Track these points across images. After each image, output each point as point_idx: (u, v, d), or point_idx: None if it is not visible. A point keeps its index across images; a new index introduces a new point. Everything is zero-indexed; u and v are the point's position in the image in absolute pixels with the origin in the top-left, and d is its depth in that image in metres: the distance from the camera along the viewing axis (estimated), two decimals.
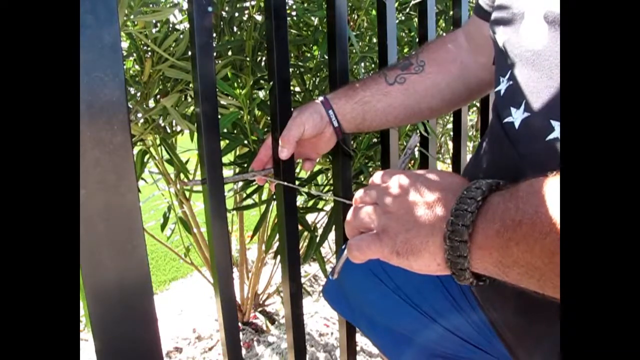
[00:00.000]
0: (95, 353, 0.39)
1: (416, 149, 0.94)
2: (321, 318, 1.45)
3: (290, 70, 0.70)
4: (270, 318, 1.44)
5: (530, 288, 0.32)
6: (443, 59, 0.66)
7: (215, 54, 0.65)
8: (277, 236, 0.76)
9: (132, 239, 0.40)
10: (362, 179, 0.98)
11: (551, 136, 0.40)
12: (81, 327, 1.36)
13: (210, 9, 0.51)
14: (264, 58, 0.86)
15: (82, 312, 0.43)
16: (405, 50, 1.16)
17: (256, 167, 0.67)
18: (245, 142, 0.74)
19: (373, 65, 1.04)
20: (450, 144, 1.29)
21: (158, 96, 0.80)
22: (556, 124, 0.39)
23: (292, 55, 0.94)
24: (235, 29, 0.87)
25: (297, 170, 0.85)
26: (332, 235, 0.85)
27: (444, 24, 1.26)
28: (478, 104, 1.48)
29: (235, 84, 0.80)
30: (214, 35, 0.82)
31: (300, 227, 0.77)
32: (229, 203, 0.79)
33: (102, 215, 0.38)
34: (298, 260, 0.68)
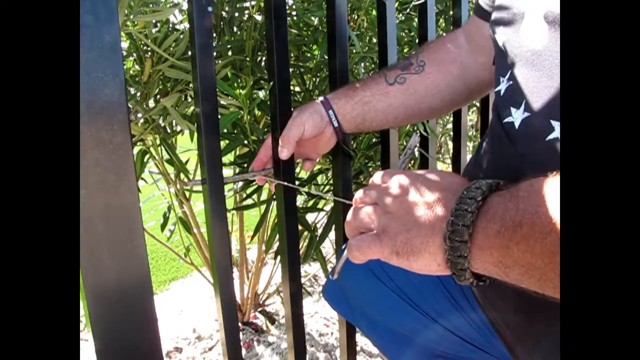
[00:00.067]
0: (95, 353, 0.39)
1: (416, 149, 0.94)
2: (321, 318, 1.45)
3: (290, 70, 0.70)
4: (270, 318, 1.44)
5: (531, 288, 0.32)
6: (443, 59, 0.66)
7: (215, 54, 0.65)
8: (277, 236, 0.76)
9: (132, 239, 0.40)
10: (362, 179, 0.98)
11: (551, 136, 0.40)
12: (81, 327, 1.36)
13: (210, 9, 0.51)
14: (264, 58, 0.86)
15: (82, 312, 0.43)
16: (405, 50, 1.16)
17: (256, 167, 0.67)
18: (245, 142, 0.74)
19: (373, 65, 1.04)
20: (450, 144, 1.29)
21: (158, 96, 0.80)
22: (556, 124, 0.39)
23: (292, 55, 0.94)
24: (235, 29, 0.87)
25: (297, 170, 0.85)
26: (332, 235, 0.85)
27: (444, 24, 1.26)
28: (478, 104, 1.48)
29: (235, 84, 0.80)
30: (214, 35, 0.83)
31: (300, 227, 0.77)
32: (229, 203, 0.79)
33: (102, 215, 0.38)
34: (298, 260, 0.68)
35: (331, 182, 0.98)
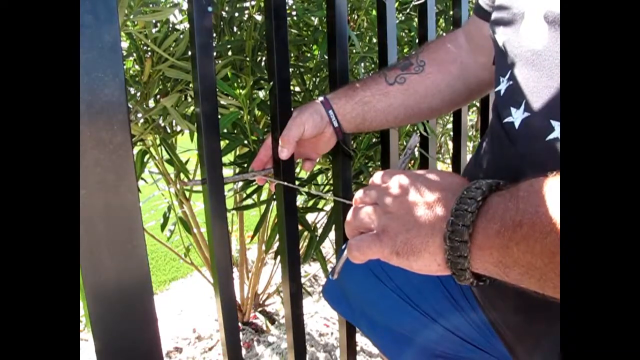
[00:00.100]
0: (95, 353, 0.39)
1: (416, 149, 0.94)
2: (321, 318, 1.45)
3: (290, 70, 0.70)
4: (270, 318, 1.44)
5: (531, 288, 0.32)
6: (443, 59, 0.66)
7: (215, 54, 0.65)
8: (277, 236, 0.76)
9: (132, 239, 0.40)
10: (362, 179, 0.98)
11: (551, 136, 0.40)
12: (81, 327, 1.36)
13: (210, 9, 0.51)
14: (264, 58, 0.86)
15: (82, 312, 0.43)
16: (405, 50, 1.16)
17: (256, 167, 0.67)
18: (245, 142, 0.74)
19: (373, 65, 1.04)
20: (450, 144, 1.29)
21: (158, 96, 0.80)
22: (556, 124, 0.39)
23: (292, 55, 0.94)
24: (235, 29, 0.87)
25: (297, 170, 0.85)
26: (332, 235, 0.85)
27: (444, 24, 1.26)
28: (478, 104, 1.48)
29: (235, 84, 0.80)
30: (214, 35, 0.82)
31: (300, 227, 0.77)
32: (229, 203, 0.79)
33: (102, 215, 0.38)
34: (298, 260, 0.68)
35: (331, 182, 0.98)
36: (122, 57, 0.38)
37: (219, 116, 0.58)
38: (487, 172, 0.49)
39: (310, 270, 1.80)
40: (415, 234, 0.36)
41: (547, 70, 0.41)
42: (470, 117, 1.88)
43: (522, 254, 0.31)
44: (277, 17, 0.59)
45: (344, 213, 0.75)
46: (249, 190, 0.84)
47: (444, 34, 0.71)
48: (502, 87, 0.48)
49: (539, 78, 0.42)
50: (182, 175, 0.99)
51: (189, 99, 0.80)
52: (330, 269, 0.93)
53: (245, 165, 0.81)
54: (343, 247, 0.74)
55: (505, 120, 0.45)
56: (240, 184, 0.87)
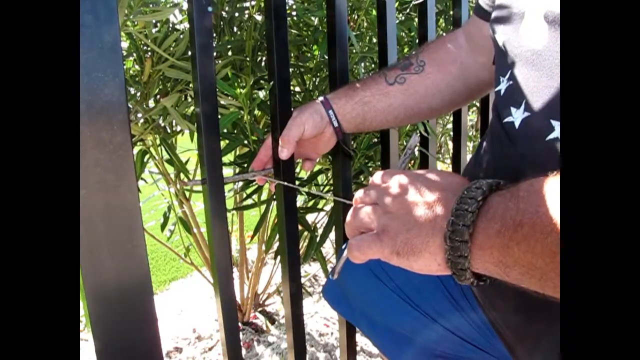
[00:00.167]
0: (95, 353, 0.39)
1: (416, 149, 0.94)
2: (321, 318, 1.45)
3: (290, 70, 0.70)
4: (270, 318, 1.44)
5: (531, 288, 0.32)
6: (443, 59, 0.66)
7: (215, 54, 0.65)
8: (277, 236, 0.76)
9: (132, 239, 0.40)
10: (362, 179, 0.98)
11: (551, 136, 0.40)
12: (81, 327, 1.36)
13: (210, 9, 0.51)
14: (264, 58, 0.86)
15: (82, 312, 0.43)
16: (405, 50, 1.16)
17: (256, 167, 0.67)
18: (245, 142, 0.74)
19: (373, 65, 1.04)
20: (450, 144, 1.29)
21: (158, 96, 0.80)
22: (556, 124, 0.39)
23: (292, 55, 0.94)
24: (235, 29, 0.87)
25: (297, 170, 0.85)
26: (332, 235, 0.85)
27: (444, 24, 1.26)
28: (478, 104, 1.48)
29: (235, 84, 0.80)
30: (214, 35, 0.83)
31: (300, 227, 0.77)
32: (229, 203, 0.79)
33: (102, 215, 0.38)
34: (298, 260, 0.68)
35: (331, 182, 0.98)
36: (122, 57, 0.38)
37: (219, 116, 0.58)
38: (487, 172, 0.49)
39: (310, 270, 1.80)
40: (415, 234, 0.36)
41: (547, 70, 0.41)
42: (470, 117, 1.88)
43: (522, 254, 0.31)
44: (277, 17, 0.59)
45: (344, 213, 0.75)
46: (249, 190, 0.84)
47: (444, 34, 0.71)
48: (502, 87, 0.48)
49: (539, 78, 0.42)
50: (182, 175, 0.99)
51: (189, 99, 0.80)
52: (330, 269, 0.93)
53: (245, 165, 0.81)
54: (343, 247, 0.74)
55: (505, 120, 0.45)
56: (240, 184, 0.87)
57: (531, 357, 0.49)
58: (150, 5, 0.71)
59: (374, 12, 0.85)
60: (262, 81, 0.83)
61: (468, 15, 0.97)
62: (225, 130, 0.74)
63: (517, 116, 0.44)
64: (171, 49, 0.72)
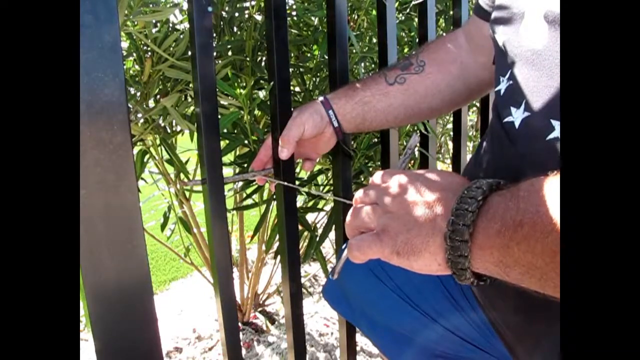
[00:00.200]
0: (95, 353, 0.39)
1: (416, 149, 0.94)
2: (321, 318, 1.45)
3: (290, 70, 0.70)
4: (270, 318, 1.44)
5: (531, 288, 0.32)
6: (443, 59, 0.66)
7: (215, 54, 0.65)
8: (277, 236, 0.76)
9: (132, 239, 0.40)
10: (362, 179, 0.98)
11: (551, 136, 0.40)
12: (81, 327, 1.36)
13: (210, 9, 0.51)
14: (264, 58, 0.86)
15: (82, 312, 0.43)
16: (405, 50, 1.16)
17: (256, 167, 0.67)
18: (245, 142, 0.74)
19: (373, 65, 1.04)
20: (450, 144, 1.29)
21: (158, 96, 0.80)
22: (556, 124, 0.39)
23: (292, 55, 0.94)
24: (235, 29, 0.87)
25: (297, 170, 0.85)
26: (332, 235, 0.85)
27: (444, 24, 1.26)
28: (478, 104, 1.48)
29: (235, 84, 0.80)
30: (214, 35, 0.82)
31: (300, 227, 0.77)
32: (229, 203, 0.79)
33: (102, 215, 0.38)
34: (298, 260, 0.68)
35: (331, 182, 0.98)
36: (122, 57, 0.38)
37: (219, 116, 0.58)
38: (487, 172, 0.49)
39: (310, 270, 1.80)
40: (415, 234, 0.36)
41: (547, 69, 0.41)
42: (470, 117, 1.88)
43: (522, 254, 0.31)
44: (277, 17, 0.59)
45: (344, 213, 0.75)
46: (249, 190, 0.84)
47: (444, 34, 0.71)
48: (502, 86, 0.48)
49: (539, 78, 0.42)
50: (182, 175, 0.99)
51: (189, 99, 0.80)
52: (330, 269, 0.93)
53: (245, 165, 0.81)
54: (343, 247, 0.74)
55: (505, 119, 0.45)
56: (240, 184, 0.87)
57: (531, 357, 0.49)
58: (150, 5, 0.71)
59: (374, 12, 0.85)
60: (262, 81, 0.83)
61: (468, 15, 0.97)
62: (225, 130, 0.74)
63: (517, 116, 0.44)
64: (171, 49, 0.72)
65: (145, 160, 0.92)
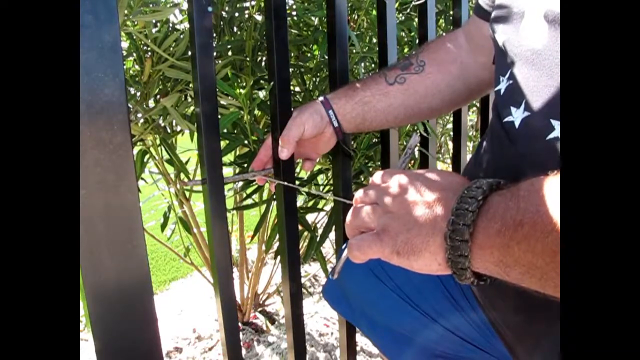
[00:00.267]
0: (95, 353, 0.39)
1: (416, 149, 0.94)
2: (321, 318, 1.45)
3: (290, 70, 0.70)
4: (270, 318, 1.44)
5: (532, 287, 0.32)
6: (443, 59, 0.66)
7: (215, 54, 0.65)
8: (277, 236, 0.76)
9: (132, 239, 0.40)
10: (362, 179, 0.98)
11: (551, 135, 0.40)
12: (81, 327, 1.36)
13: (210, 9, 0.51)
14: (264, 58, 0.86)
15: (82, 312, 0.43)
16: (405, 50, 1.16)
17: (256, 167, 0.67)
18: (245, 142, 0.74)
19: (373, 65, 1.04)
20: (450, 144, 1.29)
21: (158, 96, 0.80)
22: (556, 123, 0.39)
23: (292, 55, 0.94)
24: (235, 29, 0.87)
25: (297, 170, 0.85)
26: (332, 235, 0.85)
27: (444, 24, 1.26)
28: (478, 104, 1.48)
29: (235, 84, 0.80)
30: (214, 35, 0.83)
31: (300, 227, 0.77)
32: (229, 203, 0.79)
33: (102, 215, 0.38)
34: (298, 260, 0.68)
35: (331, 182, 0.98)
36: (122, 57, 0.38)
37: (219, 116, 0.58)
38: (487, 172, 0.49)
39: (310, 270, 1.80)
40: (415, 234, 0.36)
41: (547, 69, 0.41)
42: (470, 117, 1.88)
43: (523, 253, 0.31)
44: (277, 17, 0.59)
45: (344, 213, 0.75)
46: (249, 190, 0.84)
47: (444, 34, 0.71)
48: (502, 86, 0.48)
49: (539, 77, 0.42)
50: (182, 175, 0.99)
51: (189, 99, 0.80)
52: (330, 269, 0.93)
53: (245, 165, 0.81)
54: (343, 246, 0.74)
55: (505, 119, 0.45)
56: (240, 184, 0.87)
57: (531, 357, 0.49)
58: (150, 5, 0.71)
59: (374, 12, 0.85)
60: (262, 81, 0.83)
61: (468, 15, 0.97)
62: (225, 130, 0.74)
63: (517, 116, 0.44)
64: (171, 49, 0.72)
65: (145, 160, 0.92)
